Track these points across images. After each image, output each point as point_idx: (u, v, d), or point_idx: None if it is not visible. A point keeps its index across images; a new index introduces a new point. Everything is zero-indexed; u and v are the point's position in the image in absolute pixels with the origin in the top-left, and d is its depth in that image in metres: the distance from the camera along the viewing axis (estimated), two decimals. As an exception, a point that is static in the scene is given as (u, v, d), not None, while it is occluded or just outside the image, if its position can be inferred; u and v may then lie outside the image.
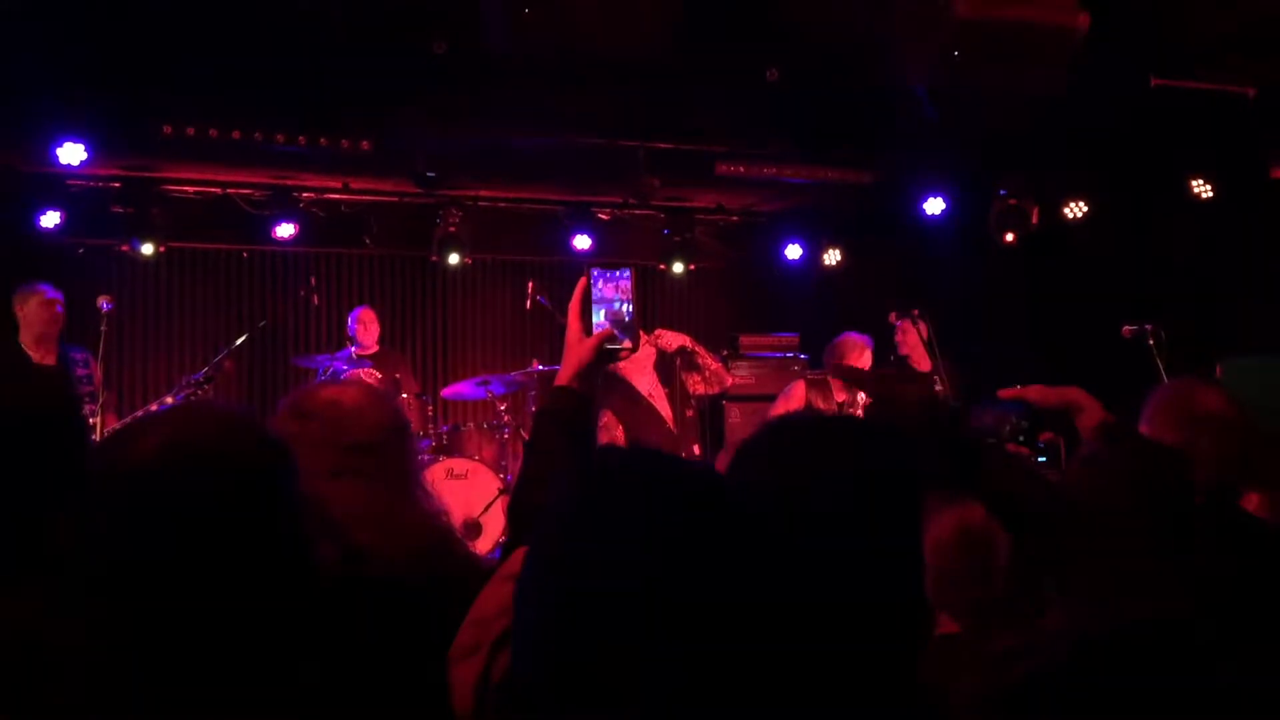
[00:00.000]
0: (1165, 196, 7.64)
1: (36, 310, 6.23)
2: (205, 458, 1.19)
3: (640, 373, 6.15)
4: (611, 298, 1.96)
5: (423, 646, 1.87)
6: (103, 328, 6.42)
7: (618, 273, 1.98)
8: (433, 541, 2.17)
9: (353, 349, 7.58)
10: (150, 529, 1.14)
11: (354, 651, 1.73)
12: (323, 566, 1.89)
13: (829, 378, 6.53)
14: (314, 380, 7.29)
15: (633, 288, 1.97)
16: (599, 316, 1.95)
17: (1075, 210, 8.19)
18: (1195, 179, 7.48)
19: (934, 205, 8.35)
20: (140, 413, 6.26)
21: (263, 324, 7.78)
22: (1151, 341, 5.98)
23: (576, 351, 1.93)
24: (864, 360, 6.46)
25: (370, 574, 1.96)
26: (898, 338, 7.42)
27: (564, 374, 1.94)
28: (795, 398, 6.70)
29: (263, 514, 1.20)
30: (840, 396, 6.47)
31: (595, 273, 1.98)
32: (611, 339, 1.93)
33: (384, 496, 2.12)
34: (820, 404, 6.50)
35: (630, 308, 1.96)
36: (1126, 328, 6.15)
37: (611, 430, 5.88)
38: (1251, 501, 2.72)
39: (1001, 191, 8.23)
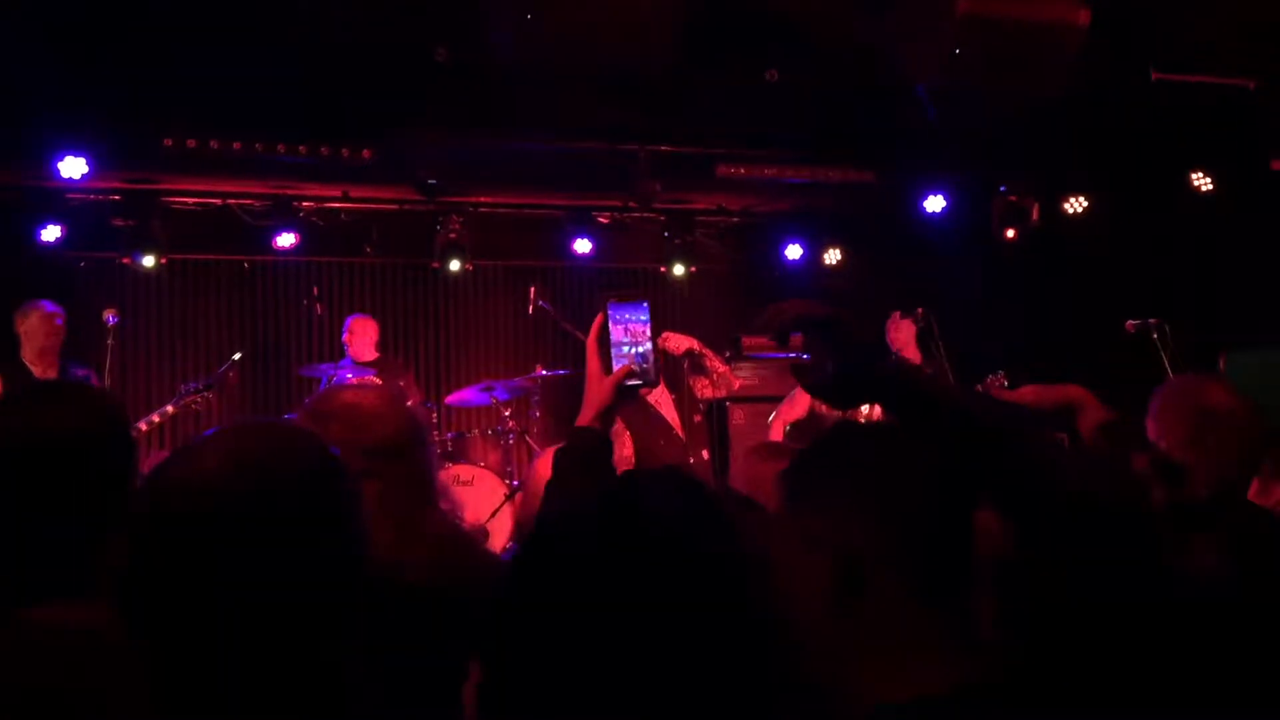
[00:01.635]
0: (1166, 190, 7.64)
1: (37, 325, 6.35)
2: (267, 471, 1.19)
3: (647, 382, 6.15)
4: (623, 340, 1.97)
5: (445, 644, 1.91)
6: (109, 341, 6.50)
7: (633, 308, 1.98)
8: (452, 543, 2.19)
9: (349, 357, 7.57)
10: (216, 546, 1.14)
11: (381, 650, 1.75)
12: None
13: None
14: (320, 389, 7.29)
15: (650, 321, 1.98)
16: (617, 363, 1.96)
17: (1076, 206, 8.20)
18: (1196, 172, 7.49)
19: (934, 203, 8.35)
20: (142, 424, 6.26)
21: (238, 356, 7.49)
22: (1156, 336, 6.00)
23: (596, 392, 1.96)
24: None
25: (391, 575, 1.98)
26: (889, 335, 7.45)
27: (585, 415, 1.96)
28: (799, 403, 6.71)
29: (326, 524, 1.21)
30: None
31: (611, 307, 1.98)
32: (631, 375, 1.95)
33: (403, 500, 2.14)
34: (823, 409, 6.51)
35: (649, 348, 1.97)
36: (1130, 323, 6.16)
37: (620, 438, 5.87)
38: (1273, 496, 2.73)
39: (1002, 188, 8.24)
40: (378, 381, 7.19)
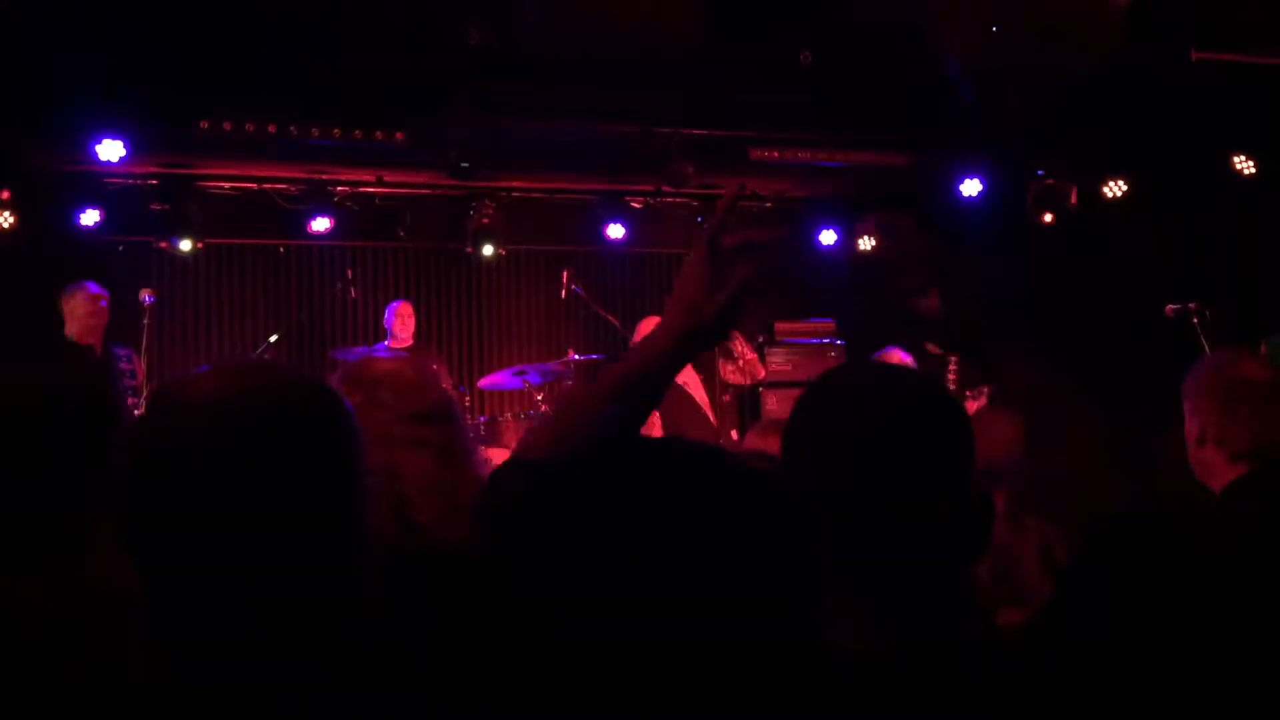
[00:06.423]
0: (1206, 173, 7.53)
1: (81, 305, 6.49)
2: (268, 403, 1.15)
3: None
4: None
5: (479, 620, 1.91)
6: (145, 321, 6.62)
7: None
8: None
9: (388, 342, 7.62)
10: (208, 466, 1.11)
11: (408, 623, 1.74)
12: (381, 536, 1.92)
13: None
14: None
15: None
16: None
17: (1114, 189, 8.09)
18: (1237, 155, 7.36)
19: (970, 187, 8.26)
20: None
21: (300, 317, 7.83)
22: (1195, 320, 5.91)
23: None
24: None
25: (429, 549, 1.98)
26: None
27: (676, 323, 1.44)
28: None
29: (325, 464, 1.17)
30: None
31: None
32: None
33: (448, 470, 2.14)
34: None
35: None
36: (1170, 307, 6.07)
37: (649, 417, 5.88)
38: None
39: (1039, 171, 8.14)
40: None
